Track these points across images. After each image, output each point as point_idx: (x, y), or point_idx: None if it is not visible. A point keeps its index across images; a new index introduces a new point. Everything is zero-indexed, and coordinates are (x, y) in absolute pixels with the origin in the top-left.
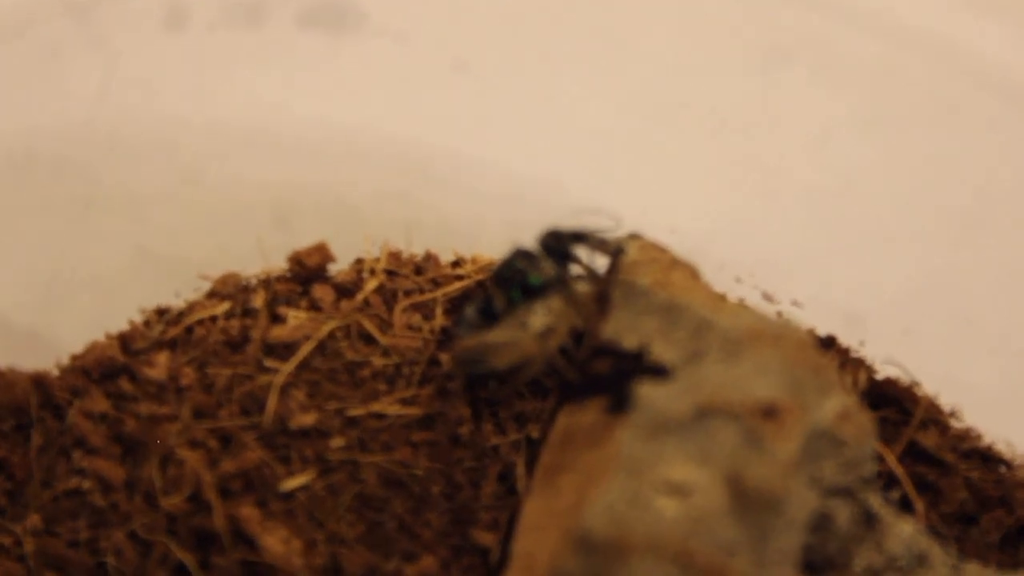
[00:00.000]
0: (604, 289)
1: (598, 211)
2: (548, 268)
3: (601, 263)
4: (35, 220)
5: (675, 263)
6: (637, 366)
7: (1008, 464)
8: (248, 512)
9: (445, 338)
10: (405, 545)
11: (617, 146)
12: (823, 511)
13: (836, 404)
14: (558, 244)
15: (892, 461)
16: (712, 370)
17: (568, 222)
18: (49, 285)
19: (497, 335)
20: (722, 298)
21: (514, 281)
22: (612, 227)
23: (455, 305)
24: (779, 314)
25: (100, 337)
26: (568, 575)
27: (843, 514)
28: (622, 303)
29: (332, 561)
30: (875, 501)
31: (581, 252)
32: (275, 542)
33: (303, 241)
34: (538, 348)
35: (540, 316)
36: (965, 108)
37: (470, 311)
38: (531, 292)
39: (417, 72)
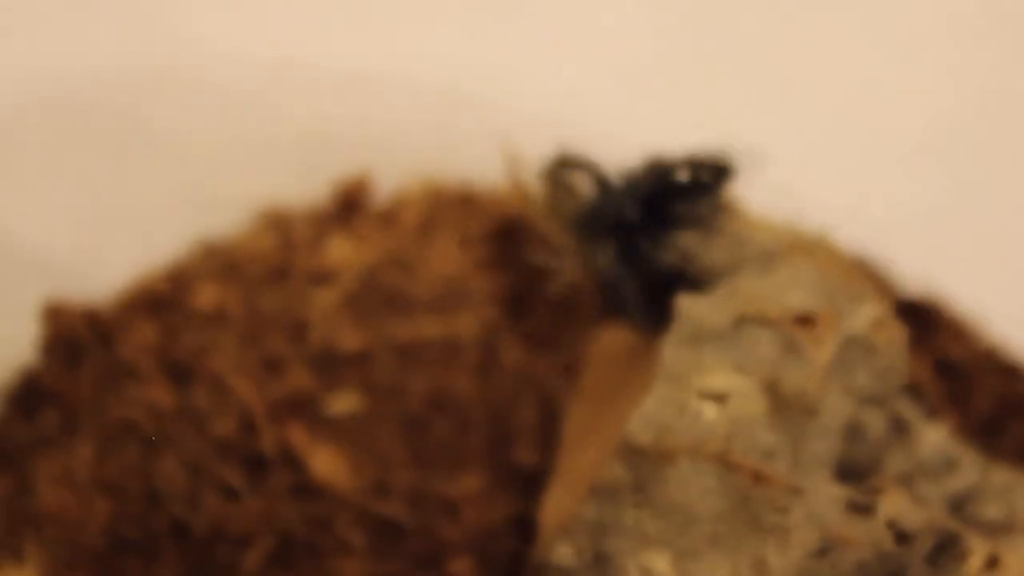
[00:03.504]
0: None
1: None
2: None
3: None
4: (74, 161)
5: None
6: (677, 281)
7: None
8: (297, 435)
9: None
10: (449, 465)
11: (641, 75)
12: (856, 420)
13: (869, 312)
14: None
15: (921, 372)
16: (748, 282)
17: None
18: (91, 223)
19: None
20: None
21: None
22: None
23: (494, 233)
24: None
25: (145, 272)
26: (615, 481)
27: (875, 422)
28: None
29: (378, 482)
30: (906, 409)
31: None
32: (323, 464)
33: (342, 173)
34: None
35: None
36: (987, 25)
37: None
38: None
39: (446, 6)
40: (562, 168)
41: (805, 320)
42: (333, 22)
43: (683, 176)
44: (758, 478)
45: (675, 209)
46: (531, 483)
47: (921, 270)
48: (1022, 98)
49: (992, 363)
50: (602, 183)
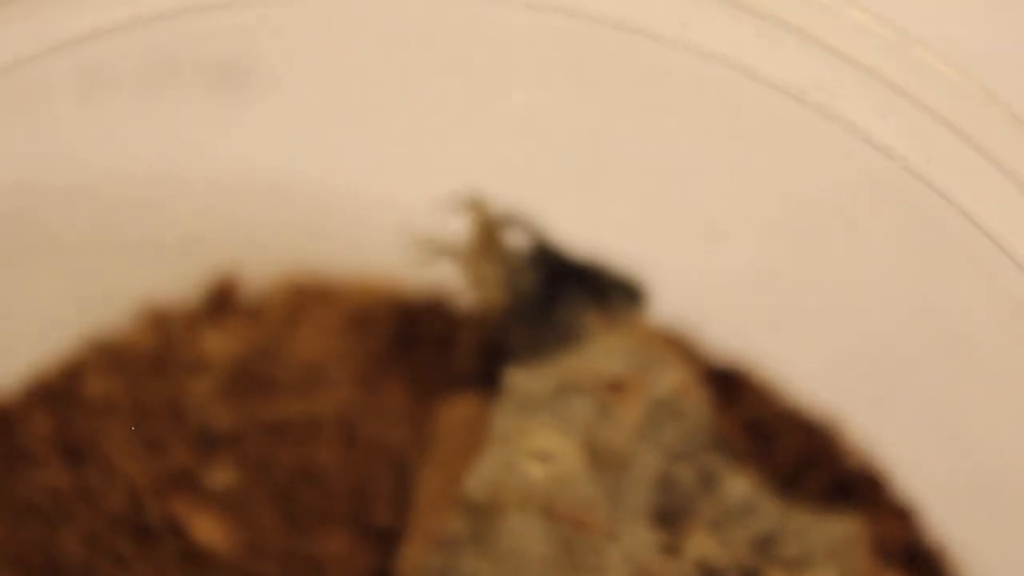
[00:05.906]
0: None
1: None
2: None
3: None
4: None
5: None
6: (504, 357)
7: (834, 432)
8: (179, 507)
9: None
10: (316, 529)
11: (492, 178)
12: (669, 475)
13: (674, 378)
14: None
15: (729, 430)
16: (567, 356)
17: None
18: None
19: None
20: None
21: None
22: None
23: (354, 321)
24: None
25: (40, 366)
26: (455, 533)
27: (686, 475)
28: None
29: (254, 545)
30: (714, 462)
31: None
32: (204, 531)
33: (213, 270)
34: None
35: None
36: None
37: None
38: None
39: (312, 123)
40: (506, 222)
41: (616, 387)
42: (202, 135)
43: (598, 284)
44: (578, 526)
45: (577, 302)
46: (389, 542)
47: (732, 339)
48: (816, 186)
49: (795, 422)
50: (539, 242)
